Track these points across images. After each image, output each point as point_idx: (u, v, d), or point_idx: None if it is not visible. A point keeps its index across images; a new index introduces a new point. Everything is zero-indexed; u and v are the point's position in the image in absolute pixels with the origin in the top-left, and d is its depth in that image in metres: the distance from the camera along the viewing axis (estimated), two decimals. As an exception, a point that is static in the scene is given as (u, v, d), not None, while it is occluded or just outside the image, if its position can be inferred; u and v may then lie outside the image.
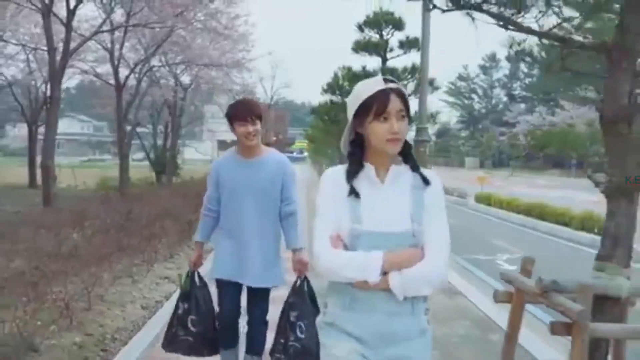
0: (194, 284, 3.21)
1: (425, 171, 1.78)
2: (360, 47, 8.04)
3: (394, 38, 8.64)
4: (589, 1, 2.29)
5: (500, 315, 4.51)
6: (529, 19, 2.30)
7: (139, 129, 23.55)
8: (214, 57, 19.48)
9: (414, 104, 9.79)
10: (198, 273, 3.25)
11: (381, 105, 1.68)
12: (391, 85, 1.71)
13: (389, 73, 8.69)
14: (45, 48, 17.59)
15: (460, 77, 71.16)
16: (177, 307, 3.24)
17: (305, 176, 28.92)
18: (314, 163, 34.09)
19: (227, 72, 21.68)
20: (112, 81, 18.67)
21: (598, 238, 8.99)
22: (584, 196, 19.35)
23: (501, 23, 2.35)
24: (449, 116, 68.14)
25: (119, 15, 16.03)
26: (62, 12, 13.07)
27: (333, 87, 10.30)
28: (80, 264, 5.26)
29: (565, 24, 2.32)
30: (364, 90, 1.71)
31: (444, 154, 62.65)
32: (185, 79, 23.56)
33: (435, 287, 1.71)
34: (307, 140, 28.24)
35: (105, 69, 19.91)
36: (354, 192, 1.72)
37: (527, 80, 67.23)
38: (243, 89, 24.94)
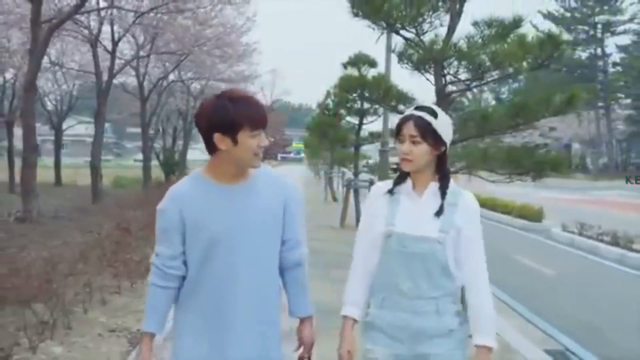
0: None
1: (463, 196, 1.90)
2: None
3: (369, 74, 11.47)
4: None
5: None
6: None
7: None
8: (222, 69, 22.39)
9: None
10: None
11: (397, 128, 1.87)
12: (416, 112, 1.86)
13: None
14: (74, 67, 20.68)
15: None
16: None
17: (304, 175, 32.35)
18: (310, 163, 37.43)
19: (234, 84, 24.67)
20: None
21: (529, 223, 12.34)
22: (541, 193, 22.50)
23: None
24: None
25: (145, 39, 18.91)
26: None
27: (323, 106, 13.17)
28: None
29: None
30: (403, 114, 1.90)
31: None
32: (195, 87, 26.53)
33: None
34: (304, 146, 31.38)
35: (122, 79, 22.88)
36: (390, 192, 1.92)
37: (515, 85, 70.35)
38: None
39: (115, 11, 14.37)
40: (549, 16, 46.49)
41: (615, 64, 48.10)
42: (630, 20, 44.20)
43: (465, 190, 1.93)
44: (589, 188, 29.18)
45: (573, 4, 46.17)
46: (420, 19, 4.54)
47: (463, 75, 4.80)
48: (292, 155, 74.37)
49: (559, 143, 47.82)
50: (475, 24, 4.68)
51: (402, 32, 4.99)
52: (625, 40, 45.80)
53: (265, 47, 41.74)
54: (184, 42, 16.55)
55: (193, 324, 1.90)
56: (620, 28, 44.93)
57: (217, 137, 1.81)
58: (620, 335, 5.43)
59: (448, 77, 4.96)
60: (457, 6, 4.90)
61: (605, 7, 44.66)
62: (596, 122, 45.04)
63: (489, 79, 4.84)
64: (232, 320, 1.87)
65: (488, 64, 4.44)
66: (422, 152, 1.83)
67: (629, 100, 46.09)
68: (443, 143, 1.87)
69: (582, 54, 47.08)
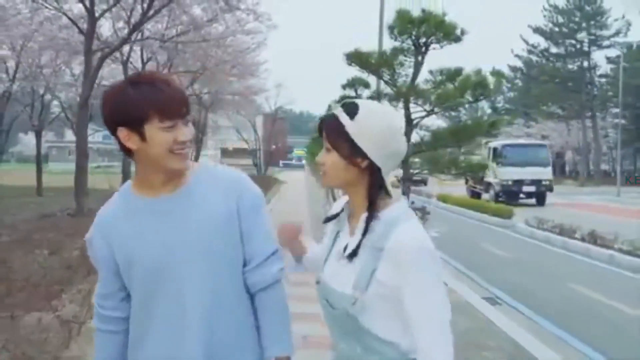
0: None
1: (395, 235, 1.29)
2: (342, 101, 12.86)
3: (364, 93, 13.68)
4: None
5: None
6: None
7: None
8: (232, 83, 24.56)
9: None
10: None
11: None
12: (335, 112, 1.35)
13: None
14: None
15: (449, 91, 76.48)
16: None
17: (306, 179, 34.49)
18: (312, 170, 39.55)
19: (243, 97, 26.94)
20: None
21: (500, 220, 14.92)
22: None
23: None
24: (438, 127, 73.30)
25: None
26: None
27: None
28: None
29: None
30: None
31: (431, 162, 67.89)
32: (206, 99, 28.80)
33: None
34: (307, 152, 33.73)
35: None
36: (329, 220, 1.48)
37: (511, 94, 72.66)
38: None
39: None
40: (537, 30, 48.90)
41: (605, 76, 50.37)
42: (616, 34, 46.56)
43: (405, 223, 1.32)
44: (573, 193, 31.34)
45: (560, 20, 48.55)
46: (392, 70, 6.74)
47: (422, 107, 6.99)
48: (293, 162, 76.53)
49: (551, 151, 50.05)
50: (431, 72, 6.88)
51: (382, 76, 7.20)
52: (615, 52, 48.11)
53: (267, 50, 43.81)
54: (202, 61, 18.80)
55: None
56: (606, 42, 47.29)
57: (121, 132, 1.43)
58: (539, 291, 7.63)
59: (413, 108, 7.18)
60: (420, 58, 7.11)
61: (592, 22, 47.06)
62: (583, 131, 47.26)
63: (438, 110, 7.03)
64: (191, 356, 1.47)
65: (436, 101, 6.62)
66: (333, 164, 1.36)
67: (618, 110, 48.21)
68: (361, 154, 1.33)
69: (572, 66, 49.46)
